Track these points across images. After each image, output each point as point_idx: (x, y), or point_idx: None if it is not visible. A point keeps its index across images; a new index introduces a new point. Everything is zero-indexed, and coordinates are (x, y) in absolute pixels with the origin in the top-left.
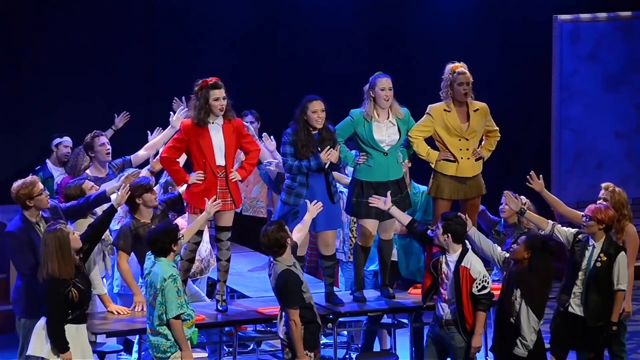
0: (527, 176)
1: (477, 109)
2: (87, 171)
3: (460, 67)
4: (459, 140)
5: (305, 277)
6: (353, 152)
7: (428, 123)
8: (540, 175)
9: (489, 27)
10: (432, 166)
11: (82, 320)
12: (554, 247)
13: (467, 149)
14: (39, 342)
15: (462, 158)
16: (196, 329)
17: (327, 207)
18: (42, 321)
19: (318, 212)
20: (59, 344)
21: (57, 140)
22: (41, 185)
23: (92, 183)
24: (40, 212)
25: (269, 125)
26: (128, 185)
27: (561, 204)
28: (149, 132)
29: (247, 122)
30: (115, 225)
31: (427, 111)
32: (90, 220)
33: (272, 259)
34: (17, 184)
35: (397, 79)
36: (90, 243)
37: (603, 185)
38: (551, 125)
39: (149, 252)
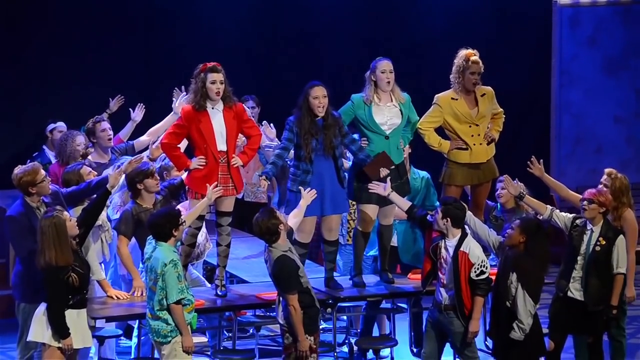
0: (528, 162)
1: (484, 94)
2: (90, 157)
3: (474, 55)
4: (470, 126)
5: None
6: (355, 135)
7: (437, 113)
8: (541, 160)
9: (488, 12)
10: (446, 156)
11: (83, 305)
12: (549, 229)
13: (478, 135)
14: (39, 327)
15: (474, 144)
16: (196, 313)
17: (334, 192)
18: (42, 307)
19: (312, 198)
20: (60, 330)
21: (52, 125)
22: (43, 172)
23: (90, 168)
24: (42, 198)
25: (270, 112)
26: (124, 168)
27: (563, 187)
28: (130, 109)
29: (247, 107)
30: (114, 215)
31: (434, 101)
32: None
33: (267, 246)
34: (19, 170)
35: (398, 64)
36: (85, 227)
37: (606, 170)
38: (551, 110)
39: (150, 236)
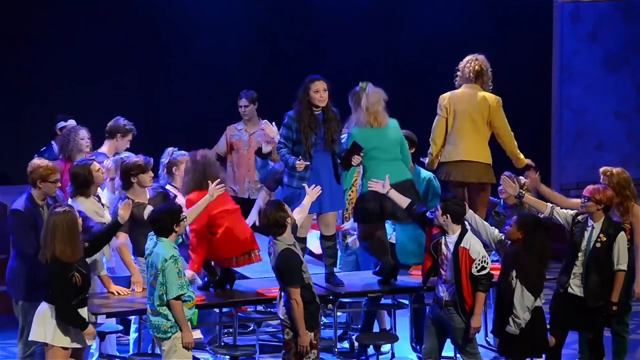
0: (526, 172)
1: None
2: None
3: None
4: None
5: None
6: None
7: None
8: (538, 172)
9: (489, 8)
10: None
11: (83, 304)
12: (548, 223)
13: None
14: (41, 327)
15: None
16: (196, 309)
17: (332, 189)
18: (42, 306)
19: (317, 195)
20: (77, 323)
21: (62, 123)
22: (58, 176)
23: (99, 165)
24: (47, 198)
25: (268, 110)
26: (129, 204)
27: (558, 197)
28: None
29: (240, 106)
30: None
31: None
32: (93, 200)
33: (272, 239)
34: (38, 161)
35: (398, 61)
36: (92, 247)
37: (601, 170)
38: (551, 105)
39: (151, 232)
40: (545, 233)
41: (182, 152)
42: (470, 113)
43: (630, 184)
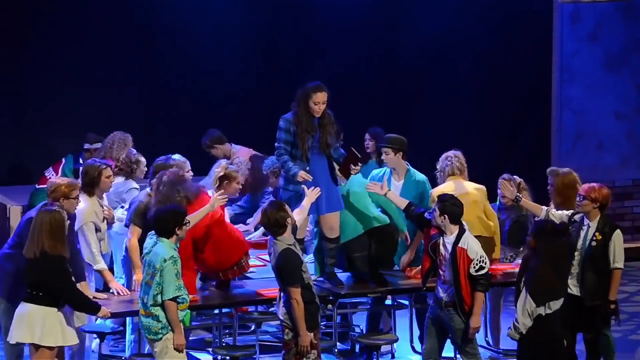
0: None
1: None
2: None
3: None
4: None
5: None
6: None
7: None
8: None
9: (489, 8)
10: None
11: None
12: (562, 228)
13: None
14: (26, 328)
15: None
16: (189, 310)
17: (329, 190)
18: (25, 307)
19: (316, 196)
20: (91, 306)
21: (97, 145)
22: (78, 192)
23: (111, 171)
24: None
25: (267, 111)
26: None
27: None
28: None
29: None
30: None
31: None
32: (95, 201)
33: (272, 239)
34: (59, 179)
35: (398, 61)
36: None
37: (547, 170)
38: (551, 106)
39: (152, 231)
40: (556, 239)
41: (233, 166)
42: (467, 195)
43: (575, 185)
